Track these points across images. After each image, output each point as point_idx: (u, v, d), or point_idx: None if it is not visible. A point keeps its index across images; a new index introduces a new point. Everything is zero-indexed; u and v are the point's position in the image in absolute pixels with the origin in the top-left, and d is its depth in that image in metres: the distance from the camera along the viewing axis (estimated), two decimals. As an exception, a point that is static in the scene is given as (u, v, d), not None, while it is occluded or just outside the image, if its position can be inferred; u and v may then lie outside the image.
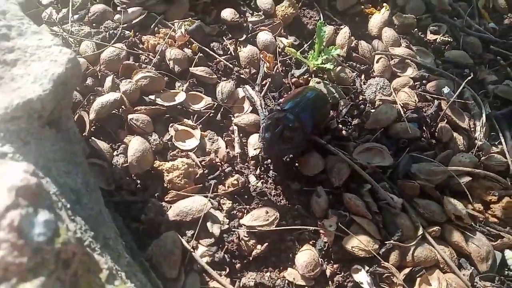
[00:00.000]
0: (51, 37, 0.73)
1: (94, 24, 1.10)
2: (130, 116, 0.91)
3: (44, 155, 0.66)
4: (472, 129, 1.10)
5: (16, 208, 0.49)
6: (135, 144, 0.88)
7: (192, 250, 0.80)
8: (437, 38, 1.29)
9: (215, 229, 0.83)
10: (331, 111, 1.04)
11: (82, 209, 0.67)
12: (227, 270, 0.81)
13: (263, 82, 1.09)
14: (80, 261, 0.55)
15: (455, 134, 1.07)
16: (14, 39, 0.70)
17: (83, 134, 0.89)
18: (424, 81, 1.16)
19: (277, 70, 1.12)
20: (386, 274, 0.86)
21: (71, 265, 0.53)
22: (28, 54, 0.69)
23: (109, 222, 0.74)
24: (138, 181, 0.87)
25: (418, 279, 0.88)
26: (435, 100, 1.11)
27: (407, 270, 0.88)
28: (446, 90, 1.10)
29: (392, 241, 0.88)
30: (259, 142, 0.94)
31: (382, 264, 0.87)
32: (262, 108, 1.02)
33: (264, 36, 1.15)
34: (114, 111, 0.94)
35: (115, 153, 0.90)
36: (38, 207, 0.52)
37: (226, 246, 0.82)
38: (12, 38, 0.70)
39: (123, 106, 0.93)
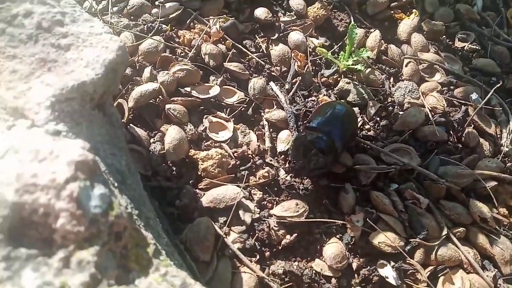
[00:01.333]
0: (102, 25, 0.77)
1: (132, 17, 1.14)
2: (167, 106, 0.95)
3: (93, 136, 0.70)
4: (498, 135, 1.12)
5: (75, 181, 0.52)
6: (172, 133, 0.91)
7: (224, 236, 0.83)
8: (465, 46, 1.30)
9: (246, 217, 0.85)
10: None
11: (127, 189, 0.70)
12: (257, 257, 0.83)
13: (293, 80, 1.12)
14: (130, 235, 0.58)
15: (481, 140, 1.09)
16: (68, 25, 0.74)
17: (122, 121, 0.93)
18: (451, 87, 1.18)
19: (308, 69, 1.14)
20: (410, 271, 0.88)
21: (122, 238, 0.56)
22: (80, 40, 0.73)
23: (148, 204, 0.77)
24: (174, 168, 0.90)
25: (442, 277, 0.89)
26: (463, 106, 1.13)
27: (431, 268, 0.90)
28: (474, 96, 1.12)
29: (417, 239, 0.90)
30: (290, 159, 0.94)
31: (408, 261, 0.88)
32: (286, 104, 1.05)
33: (295, 36, 1.18)
34: (151, 101, 0.97)
35: (152, 140, 0.93)
36: (94, 181, 0.55)
37: (256, 234, 0.85)
38: (66, 24, 0.74)
39: (160, 96, 0.97)
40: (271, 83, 1.09)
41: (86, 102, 0.68)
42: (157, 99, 0.97)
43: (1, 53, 0.67)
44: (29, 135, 0.60)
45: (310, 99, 1.10)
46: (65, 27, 0.73)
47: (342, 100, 1.08)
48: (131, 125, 0.93)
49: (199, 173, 0.90)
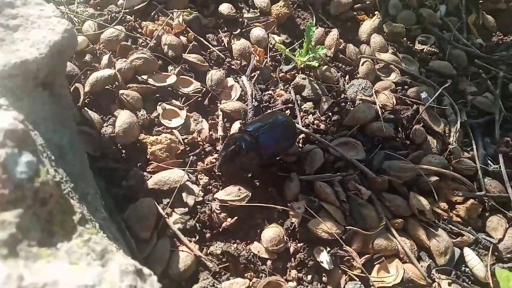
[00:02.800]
0: (52, 8, 0.80)
1: (98, 7, 1.18)
2: (121, 91, 0.98)
3: (35, 112, 0.73)
4: (446, 134, 1.16)
5: (3, 147, 0.56)
6: (123, 117, 0.94)
7: (166, 216, 0.87)
8: (424, 48, 1.35)
9: (189, 200, 0.89)
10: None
11: (64, 164, 0.73)
12: (197, 237, 0.87)
13: (252, 74, 1.16)
14: (57, 202, 0.61)
15: (429, 138, 1.13)
16: (19, 7, 0.78)
17: (77, 104, 0.96)
18: (405, 87, 1.23)
19: (267, 64, 1.19)
20: (346, 257, 0.92)
21: (47, 204, 0.60)
22: (29, 21, 0.77)
23: (90, 182, 0.80)
24: (123, 151, 0.94)
25: (377, 265, 0.93)
26: (414, 105, 1.17)
27: (367, 256, 0.93)
28: (424, 95, 1.16)
29: (355, 228, 0.94)
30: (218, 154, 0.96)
31: (344, 248, 0.92)
32: (251, 97, 1.09)
33: (257, 32, 1.22)
34: (107, 87, 1.01)
35: (104, 124, 0.96)
36: (22, 149, 0.59)
37: (198, 216, 0.89)
38: (16, 6, 0.78)
39: (116, 83, 1.00)
40: (243, 77, 1.13)
41: (29, 80, 0.72)
42: (113, 85, 1.01)
43: (-50, 30, 0.71)
44: (-33, 106, 0.64)
45: (267, 92, 1.14)
46: (16, 9, 0.77)
47: (285, 112, 1.10)
48: (85, 108, 0.97)
49: (148, 157, 0.94)
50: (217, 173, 0.96)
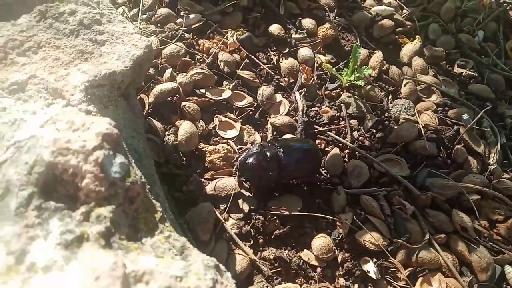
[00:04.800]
0: (133, 26, 0.89)
1: (159, 24, 1.27)
2: (183, 103, 1.06)
3: (118, 119, 0.81)
4: (486, 155, 1.20)
5: (101, 149, 0.63)
6: (185, 127, 1.02)
7: (223, 221, 0.93)
8: (463, 72, 1.40)
9: (245, 206, 0.95)
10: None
11: (142, 167, 0.80)
12: (251, 242, 0.92)
13: (299, 91, 1.22)
14: (142, 201, 0.68)
15: (470, 158, 1.17)
16: (105, 24, 0.86)
17: (143, 113, 1.04)
18: (446, 108, 1.27)
19: (313, 82, 1.25)
20: (391, 269, 0.96)
21: (134, 202, 0.66)
22: (114, 37, 0.85)
23: (159, 184, 0.87)
24: (184, 158, 1.01)
25: (421, 278, 0.97)
26: (455, 126, 1.22)
27: (411, 269, 0.97)
28: (465, 116, 1.21)
29: (400, 240, 0.98)
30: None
31: (389, 259, 0.96)
32: (302, 113, 1.15)
33: (304, 52, 1.29)
34: (169, 98, 1.08)
35: (166, 133, 1.04)
36: (116, 151, 0.66)
37: (253, 222, 0.94)
38: (103, 24, 0.86)
39: (177, 95, 1.08)
40: (296, 93, 1.20)
41: (114, 89, 0.80)
42: (175, 97, 1.08)
43: (47, 43, 0.79)
44: (65, 111, 0.71)
45: (313, 109, 1.20)
46: (102, 26, 0.86)
47: (313, 141, 1.12)
48: (149, 117, 1.04)
49: (206, 165, 1.01)
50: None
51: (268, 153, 0.95)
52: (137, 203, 0.67)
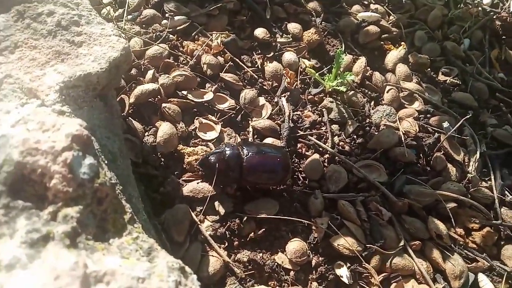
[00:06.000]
0: (112, 28, 0.89)
1: (144, 25, 1.27)
2: (163, 105, 1.06)
3: (92, 119, 0.81)
4: (466, 163, 1.21)
5: (70, 150, 0.64)
6: (164, 128, 1.02)
7: (199, 222, 0.93)
8: (447, 80, 1.41)
9: (221, 209, 0.96)
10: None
11: (116, 168, 0.81)
12: (226, 244, 0.93)
13: (283, 95, 1.23)
14: (111, 202, 0.68)
15: (449, 166, 1.18)
16: (83, 25, 0.87)
17: (122, 114, 1.05)
18: (428, 115, 1.28)
19: (296, 87, 1.26)
20: (365, 274, 0.97)
21: (103, 203, 0.67)
22: (92, 39, 0.86)
23: (134, 185, 0.88)
24: (162, 160, 1.02)
25: (394, 284, 0.98)
26: (436, 133, 1.23)
27: (385, 274, 0.98)
28: (446, 124, 1.22)
29: (375, 246, 0.99)
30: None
31: (363, 265, 0.97)
32: (289, 119, 1.16)
33: (289, 56, 1.30)
34: (150, 99, 1.09)
35: (146, 133, 1.04)
36: (86, 153, 0.66)
37: (228, 225, 0.95)
38: (81, 25, 0.87)
39: (159, 96, 1.09)
40: (282, 98, 1.20)
41: (89, 90, 0.81)
42: (156, 98, 1.09)
43: (24, 44, 0.80)
44: (38, 111, 0.72)
45: (295, 113, 1.21)
46: (80, 27, 0.86)
47: (287, 152, 1.09)
48: (129, 118, 1.05)
49: (184, 166, 1.01)
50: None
51: (229, 153, 0.95)
52: (106, 204, 0.68)
